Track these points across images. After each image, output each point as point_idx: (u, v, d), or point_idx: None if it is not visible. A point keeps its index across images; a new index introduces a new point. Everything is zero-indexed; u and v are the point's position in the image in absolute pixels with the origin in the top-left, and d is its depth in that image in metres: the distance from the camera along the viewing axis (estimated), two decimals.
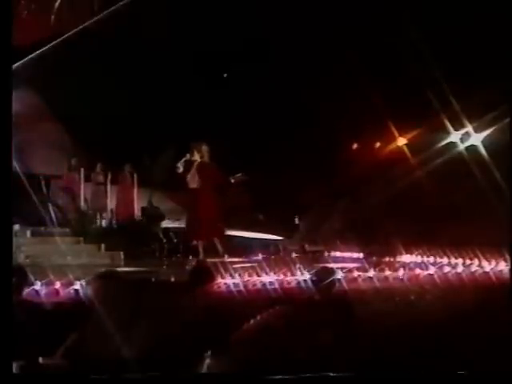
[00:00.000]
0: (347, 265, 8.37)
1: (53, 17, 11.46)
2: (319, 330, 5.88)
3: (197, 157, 9.99)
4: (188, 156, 9.97)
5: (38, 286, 6.14)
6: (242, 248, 12.64)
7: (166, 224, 12.56)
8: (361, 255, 10.73)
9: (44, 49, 12.13)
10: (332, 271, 6.61)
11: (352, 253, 11.14)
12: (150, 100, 13.20)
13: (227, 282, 6.30)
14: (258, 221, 15.09)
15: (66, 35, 12.23)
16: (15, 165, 12.29)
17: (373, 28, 12.70)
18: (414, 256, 9.46)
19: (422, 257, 9.20)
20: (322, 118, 13.65)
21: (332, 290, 6.42)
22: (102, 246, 10.25)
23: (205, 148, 10.06)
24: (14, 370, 4.53)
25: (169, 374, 4.72)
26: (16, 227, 10.45)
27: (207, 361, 4.92)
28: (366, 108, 13.03)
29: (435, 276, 7.31)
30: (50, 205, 11.10)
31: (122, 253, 10.09)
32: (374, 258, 9.45)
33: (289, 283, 6.62)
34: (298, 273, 6.66)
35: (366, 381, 4.72)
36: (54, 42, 12.22)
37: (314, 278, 6.53)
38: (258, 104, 13.94)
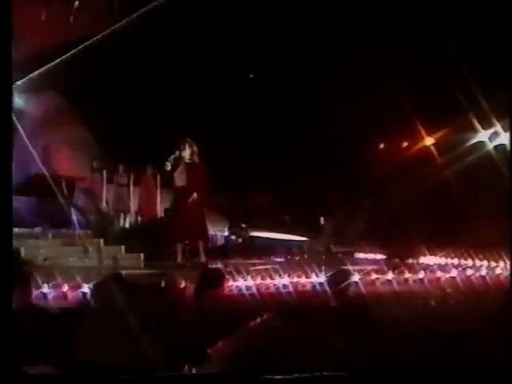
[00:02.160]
0: (369, 267, 8.11)
1: (72, 18, 11.39)
2: (333, 335, 5.68)
3: (187, 153, 9.70)
4: (177, 153, 9.66)
5: (48, 288, 6.00)
6: (266, 249, 12.48)
7: None
8: (384, 257, 10.44)
9: (72, 52, 12.15)
10: (348, 274, 6.38)
11: (376, 254, 10.85)
12: (172, 101, 13.09)
13: (239, 284, 6.09)
14: (284, 221, 14.89)
15: (93, 38, 12.23)
16: (40, 167, 12.33)
17: (399, 26, 12.43)
18: (437, 258, 9.15)
19: (446, 258, 8.89)
20: (349, 117, 13.41)
21: (348, 294, 6.20)
22: (122, 247, 10.11)
23: (195, 145, 9.80)
24: (17, 371, 4.42)
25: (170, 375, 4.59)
26: (38, 229, 10.42)
27: (211, 364, 4.76)
28: (393, 107, 12.78)
29: (457, 279, 7.01)
30: (72, 207, 11.01)
31: (142, 254, 9.94)
32: (397, 260, 9.15)
33: (304, 286, 6.39)
34: (314, 276, 6.42)
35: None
36: (81, 45, 12.24)
37: (330, 281, 6.31)
38: (285, 104, 13.76)
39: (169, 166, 9.54)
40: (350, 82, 13.15)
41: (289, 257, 11.78)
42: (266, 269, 7.46)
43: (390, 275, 6.78)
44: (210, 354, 4.95)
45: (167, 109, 13.07)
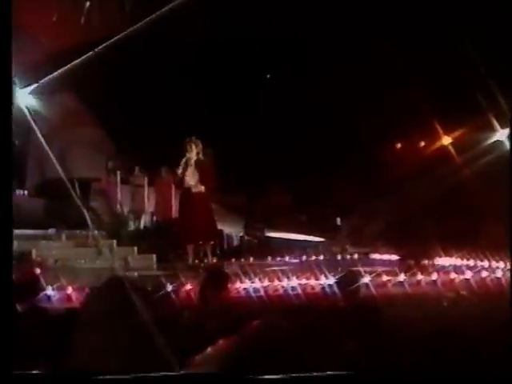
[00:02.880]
0: (384, 268, 7.89)
1: (83, 18, 11.29)
2: (342, 339, 5.51)
3: (193, 153, 9.55)
4: (187, 155, 9.52)
5: (52, 290, 5.88)
6: (281, 250, 12.31)
7: None
8: (399, 257, 10.22)
9: (89, 53, 12.08)
10: (358, 276, 6.21)
11: (391, 255, 10.61)
12: (189, 101, 12.94)
13: (246, 286, 5.92)
14: (300, 222, 14.72)
15: (108, 39, 12.14)
16: (56, 168, 12.26)
17: (417, 26, 12.19)
18: (453, 259, 8.88)
19: (462, 260, 8.63)
20: (365, 117, 13.18)
21: (358, 296, 6.02)
22: (135, 249, 9.98)
23: (199, 143, 9.64)
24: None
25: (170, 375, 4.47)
26: (52, 230, 10.33)
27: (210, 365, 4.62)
28: (410, 107, 12.55)
29: (472, 281, 6.77)
30: (86, 208, 10.88)
31: (154, 256, 9.80)
32: (412, 262, 8.91)
33: (313, 288, 6.20)
34: (323, 277, 6.23)
35: None
36: (97, 46, 12.15)
37: (339, 283, 6.14)
38: (303, 104, 13.58)
39: (180, 170, 9.43)
40: (367, 82, 12.95)
41: (303, 258, 11.59)
42: (276, 270, 7.25)
43: (401, 277, 6.56)
44: (210, 356, 4.82)
45: (184, 109, 12.93)
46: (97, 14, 11.67)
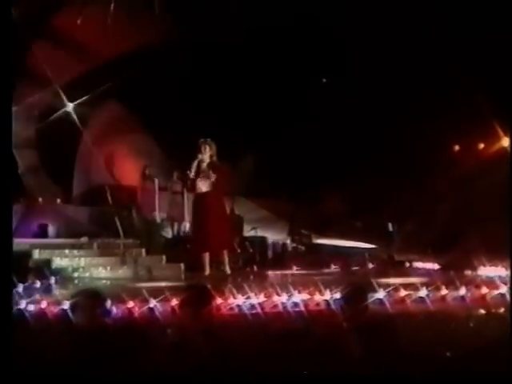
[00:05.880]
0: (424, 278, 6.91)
1: (130, 28, 10.88)
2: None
3: (207, 155, 8.71)
4: (199, 157, 8.69)
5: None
6: (326, 258, 11.47)
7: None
8: (440, 267, 9.19)
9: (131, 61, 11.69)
10: (367, 291, 5.30)
11: (434, 264, 9.55)
12: (228, 108, 12.30)
13: (240, 302, 5.10)
14: (356, 228, 13.84)
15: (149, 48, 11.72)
16: (96, 177, 11.86)
17: (474, 27, 11.15)
18: (498, 269, 7.76)
19: (507, 270, 7.51)
20: (421, 120, 12.21)
21: (365, 314, 5.14)
22: (164, 257, 9.32)
23: (214, 145, 8.80)
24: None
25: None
26: (84, 239, 9.83)
27: None
28: (467, 108, 11.50)
29: (508, 296, 5.71)
30: (120, 216, 10.31)
31: (182, 265, 9.10)
32: (452, 272, 7.86)
33: (318, 304, 5.32)
34: (328, 292, 5.33)
35: None
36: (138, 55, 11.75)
37: (345, 300, 5.26)
38: (354, 107, 12.73)
39: (192, 174, 8.65)
40: (424, 84, 12.00)
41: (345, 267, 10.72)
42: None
43: (423, 292, 5.58)
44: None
45: (225, 115, 12.31)
46: (134, 23, 11.26)
